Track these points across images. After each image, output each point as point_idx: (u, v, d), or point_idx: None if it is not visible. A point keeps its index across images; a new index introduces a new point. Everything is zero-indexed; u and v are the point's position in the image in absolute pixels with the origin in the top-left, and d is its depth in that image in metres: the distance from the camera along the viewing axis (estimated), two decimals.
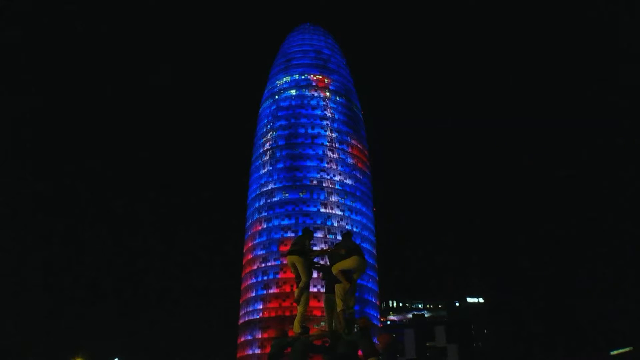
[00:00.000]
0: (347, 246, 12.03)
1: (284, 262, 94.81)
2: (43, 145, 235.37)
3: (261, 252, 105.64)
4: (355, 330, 11.24)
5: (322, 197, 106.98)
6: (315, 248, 12.90)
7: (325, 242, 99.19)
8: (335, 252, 12.12)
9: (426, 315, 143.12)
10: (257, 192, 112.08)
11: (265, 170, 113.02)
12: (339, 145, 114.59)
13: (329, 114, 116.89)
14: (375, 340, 11.27)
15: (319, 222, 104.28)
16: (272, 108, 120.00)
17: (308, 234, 12.64)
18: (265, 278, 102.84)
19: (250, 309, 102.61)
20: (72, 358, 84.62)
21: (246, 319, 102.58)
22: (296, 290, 12.21)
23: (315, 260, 12.97)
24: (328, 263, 12.44)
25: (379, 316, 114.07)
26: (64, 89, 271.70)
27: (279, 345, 11.55)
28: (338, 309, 11.37)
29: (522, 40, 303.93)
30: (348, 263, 11.64)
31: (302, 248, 12.25)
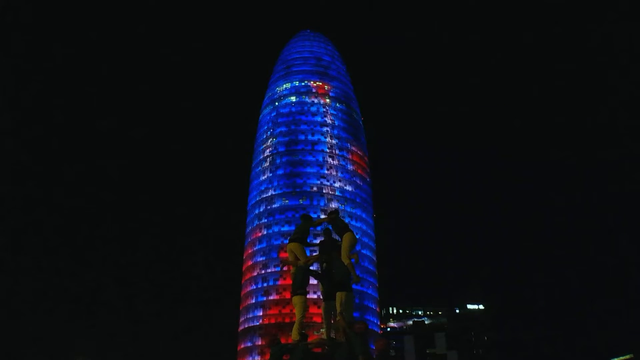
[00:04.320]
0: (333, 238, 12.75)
1: (285, 269, 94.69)
2: (41, 148, 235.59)
3: (261, 259, 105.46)
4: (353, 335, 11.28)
5: (322, 204, 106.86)
6: (314, 254, 13.05)
7: None
8: (333, 257, 12.31)
9: (426, 322, 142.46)
10: (257, 199, 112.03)
11: (265, 176, 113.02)
12: (339, 151, 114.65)
13: (329, 121, 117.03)
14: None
15: (318, 229, 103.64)
16: (272, 115, 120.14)
17: (307, 219, 13.05)
18: (265, 285, 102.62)
19: (250, 315, 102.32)
20: (72, 359, 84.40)
21: (246, 326, 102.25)
22: (292, 268, 12.50)
23: (313, 268, 13.06)
24: (324, 271, 12.59)
25: (379, 323, 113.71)
26: (63, 89, 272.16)
27: (278, 353, 11.61)
28: (338, 317, 11.42)
29: (523, 43, 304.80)
30: (346, 247, 12.03)
31: (302, 236, 12.73)
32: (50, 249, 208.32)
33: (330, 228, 13.01)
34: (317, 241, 13.46)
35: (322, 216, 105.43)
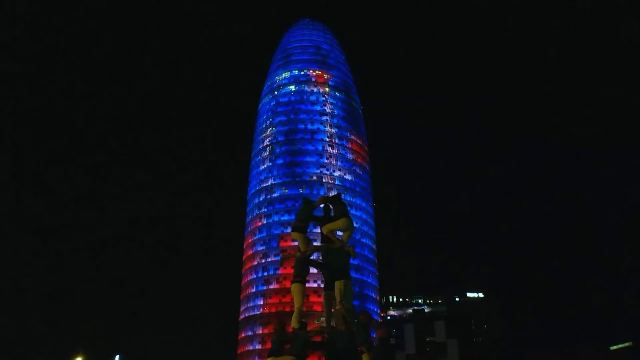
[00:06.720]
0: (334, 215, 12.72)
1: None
2: (44, 144, 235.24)
3: (261, 248, 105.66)
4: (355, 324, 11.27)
5: (321, 193, 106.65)
6: (315, 244, 13.01)
7: None
8: (330, 246, 12.29)
9: (426, 310, 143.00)
10: (257, 188, 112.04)
11: (265, 166, 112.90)
12: (339, 140, 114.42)
13: (328, 110, 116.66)
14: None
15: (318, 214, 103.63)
16: (272, 104, 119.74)
17: (308, 204, 12.97)
18: (265, 274, 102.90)
19: (251, 304, 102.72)
20: (73, 357, 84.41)
21: (246, 315, 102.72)
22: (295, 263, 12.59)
23: (314, 257, 13.03)
24: (322, 260, 12.56)
25: (379, 311, 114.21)
26: (63, 87, 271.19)
27: (279, 341, 11.63)
28: (337, 306, 11.40)
29: (522, 39, 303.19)
30: (337, 224, 12.25)
31: (303, 224, 12.72)
32: (50, 247, 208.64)
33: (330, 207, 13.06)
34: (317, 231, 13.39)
35: (322, 206, 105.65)
